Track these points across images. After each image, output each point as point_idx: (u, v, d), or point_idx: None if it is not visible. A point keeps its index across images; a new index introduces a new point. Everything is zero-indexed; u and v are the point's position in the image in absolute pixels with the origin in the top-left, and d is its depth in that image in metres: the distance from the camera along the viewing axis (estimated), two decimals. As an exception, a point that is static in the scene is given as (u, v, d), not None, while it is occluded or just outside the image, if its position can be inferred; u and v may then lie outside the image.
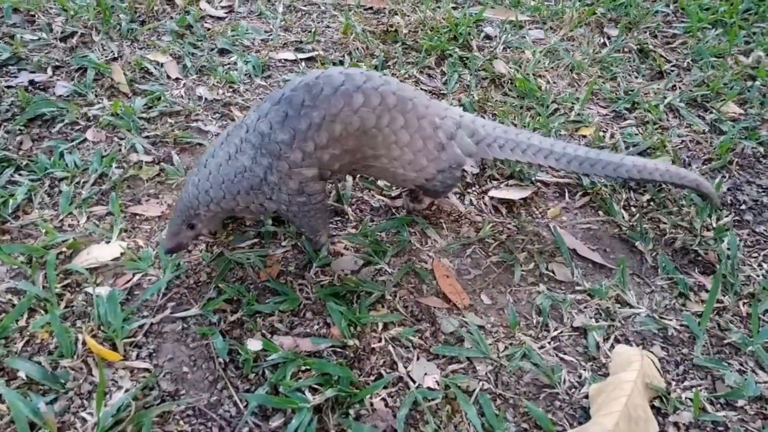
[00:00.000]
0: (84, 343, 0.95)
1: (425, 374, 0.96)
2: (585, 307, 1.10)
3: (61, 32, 1.75)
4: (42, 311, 1.00)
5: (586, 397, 0.95)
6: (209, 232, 1.10)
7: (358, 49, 1.77)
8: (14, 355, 0.93)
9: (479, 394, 0.94)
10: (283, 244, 1.16)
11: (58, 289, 1.04)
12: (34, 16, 1.83)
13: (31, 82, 1.55)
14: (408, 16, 1.97)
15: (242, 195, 0.97)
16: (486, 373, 0.98)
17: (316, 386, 0.92)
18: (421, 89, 1.60)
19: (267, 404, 0.89)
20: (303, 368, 0.94)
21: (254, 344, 0.97)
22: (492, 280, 1.14)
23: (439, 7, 2.02)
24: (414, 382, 0.95)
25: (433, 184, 1.09)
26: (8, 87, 1.51)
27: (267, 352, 0.96)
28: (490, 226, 1.22)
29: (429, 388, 0.94)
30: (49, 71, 1.59)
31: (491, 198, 1.31)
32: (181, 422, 0.88)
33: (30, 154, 1.32)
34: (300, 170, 0.95)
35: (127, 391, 0.90)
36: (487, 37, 1.90)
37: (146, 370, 0.94)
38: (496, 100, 1.59)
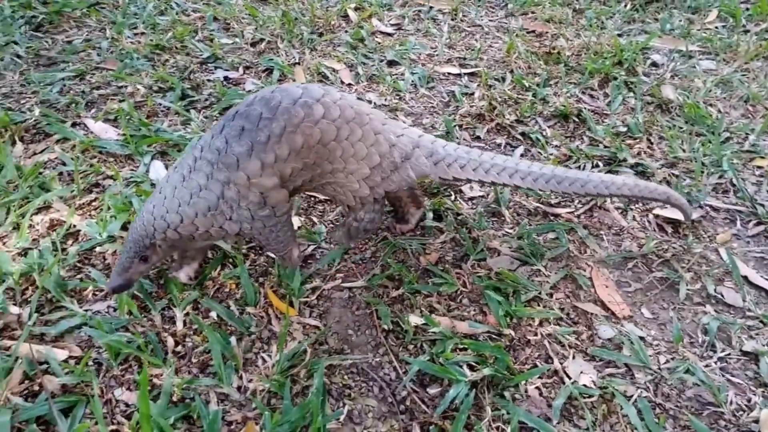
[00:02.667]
0: (265, 296, 1.06)
1: (581, 372, 0.96)
2: (757, 334, 1.04)
3: (251, 38, 1.97)
4: (231, 266, 1.12)
5: (756, 421, 0.90)
6: (161, 263, 1.02)
7: (520, 67, 1.81)
8: (208, 298, 1.05)
9: (638, 399, 0.92)
10: (443, 235, 1.21)
11: (244, 249, 1.16)
12: (229, 24, 2.07)
13: (226, 78, 1.75)
14: (571, 40, 1.99)
15: (200, 217, 0.90)
16: (645, 382, 0.96)
17: (472, 364, 0.95)
18: (583, 108, 1.60)
19: (428, 371, 0.93)
20: (460, 347, 0.98)
21: (415, 319, 1.02)
22: (654, 295, 1.11)
23: (603, 33, 2.02)
24: (569, 377, 0.95)
25: (369, 213, 1.06)
26: (208, 80, 1.72)
27: (427, 327, 1.01)
28: (655, 243, 1.20)
29: (585, 386, 0.94)
30: (240, 70, 1.80)
31: (656, 216, 1.28)
32: (346, 377, 0.95)
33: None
34: (259, 180, 0.89)
35: (299, 342, 0.98)
36: (654, 64, 1.87)
37: (316, 327, 1.02)
38: (662, 125, 1.56)
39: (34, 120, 1.51)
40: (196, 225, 0.91)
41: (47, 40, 1.94)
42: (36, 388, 0.91)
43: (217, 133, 0.90)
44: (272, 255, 1.02)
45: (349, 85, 1.75)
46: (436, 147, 1.04)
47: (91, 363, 0.94)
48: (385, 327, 1.01)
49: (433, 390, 0.93)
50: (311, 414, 0.85)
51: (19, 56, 1.83)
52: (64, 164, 1.37)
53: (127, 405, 0.89)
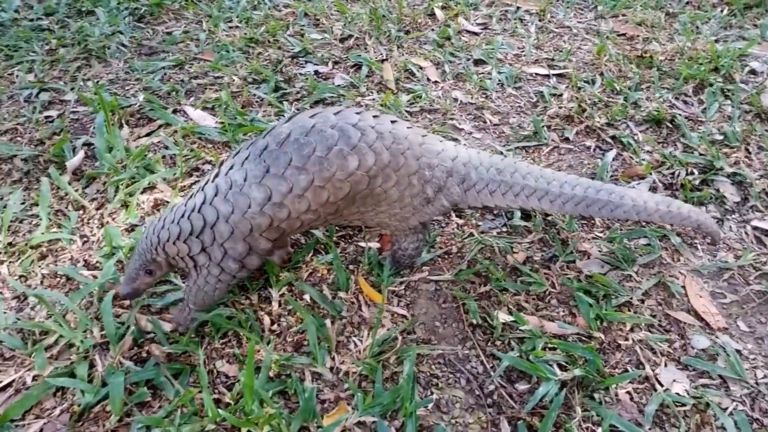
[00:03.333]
0: (356, 283, 1.09)
1: (674, 380, 0.94)
2: None
3: (340, 34, 2.01)
4: (323, 252, 1.16)
5: None
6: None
7: (610, 70, 1.78)
8: (302, 282, 1.09)
9: (734, 412, 0.90)
10: (530, 235, 1.21)
11: (335, 239, 1.20)
12: (319, 20, 2.13)
13: (316, 72, 1.80)
14: (664, 44, 1.93)
15: (180, 242, 0.88)
16: (741, 395, 0.93)
17: (562, 363, 0.95)
18: (677, 114, 1.56)
19: (517, 367, 0.94)
20: (549, 346, 0.98)
21: (503, 315, 1.03)
22: (751, 308, 1.07)
23: (698, 38, 1.95)
24: (661, 385, 0.94)
25: (412, 242, 1.04)
26: (299, 74, 1.78)
27: (514, 324, 1.01)
28: (752, 255, 1.16)
29: (677, 394, 0.92)
30: (330, 65, 1.84)
31: (754, 228, 1.23)
32: (433, 366, 0.97)
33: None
34: (258, 239, 0.87)
35: (388, 329, 1.01)
36: (753, 72, 1.79)
37: (404, 316, 1.05)
38: (761, 134, 1.49)
39: (139, 105, 1.61)
40: (177, 247, 0.88)
41: (149, 30, 2.05)
42: (144, 354, 0.97)
43: (239, 164, 0.85)
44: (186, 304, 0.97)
45: (436, 82, 1.76)
46: (469, 171, 0.97)
47: (194, 335, 1.00)
48: (474, 321, 1.03)
49: (521, 386, 0.93)
50: (401, 399, 0.88)
51: (123, 45, 1.95)
52: (167, 148, 1.45)
53: (227, 376, 0.94)
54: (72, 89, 1.69)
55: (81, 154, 1.42)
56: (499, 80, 1.75)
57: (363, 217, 0.96)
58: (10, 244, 1.18)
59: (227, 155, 0.93)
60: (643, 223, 1.21)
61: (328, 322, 1.00)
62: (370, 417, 0.86)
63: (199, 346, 0.97)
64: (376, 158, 0.87)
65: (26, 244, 1.17)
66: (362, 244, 1.18)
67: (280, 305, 1.05)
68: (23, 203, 1.28)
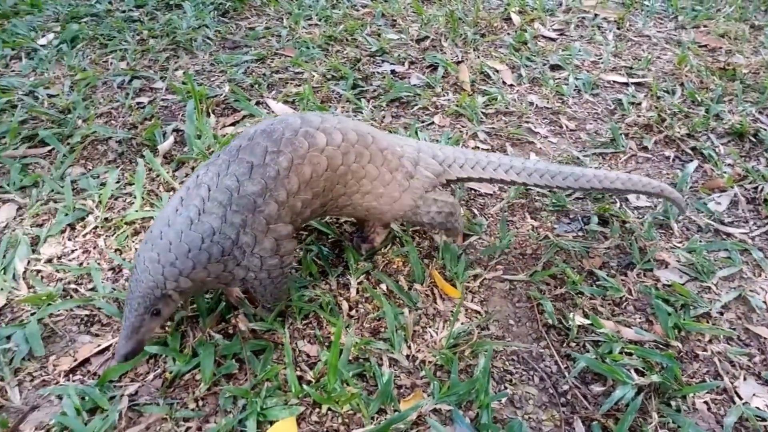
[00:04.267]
0: (431, 277, 1.12)
1: (754, 395, 0.93)
2: None
3: (416, 35, 2.05)
4: (399, 244, 1.19)
5: None
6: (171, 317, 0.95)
7: (691, 81, 1.75)
8: (378, 271, 1.13)
9: (820, 432, 0.88)
10: (607, 241, 1.21)
11: (410, 232, 1.22)
12: (395, 20, 2.17)
13: (393, 71, 1.84)
14: (749, 57, 1.88)
15: (213, 263, 0.86)
16: (825, 416, 0.91)
17: (639, 369, 0.95)
18: (761, 128, 1.52)
19: (594, 368, 0.94)
20: (626, 351, 0.98)
21: (579, 318, 1.03)
22: (837, 329, 1.04)
23: (786, 52, 1.89)
24: (740, 398, 0.92)
25: (426, 217, 1.05)
26: (376, 72, 1.82)
27: (590, 327, 1.02)
28: (841, 275, 1.12)
29: (758, 408, 0.90)
30: (406, 65, 1.88)
31: (843, 247, 1.20)
32: (507, 363, 0.98)
33: (390, 128, 1.57)
34: (276, 227, 0.88)
35: (463, 323, 1.03)
36: None
37: (477, 312, 1.07)
38: None
39: (224, 96, 1.68)
40: (208, 270, 0.86)
41: (232, 25, 2.14)
42: (230, 330, 1.02)
43: (223, 170, 0.86)
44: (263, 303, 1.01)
45: (511, 85, 1.77)
46: (435, 150, 1.06)
47: (278, 316, 1.04)
48: (549, 322, 1.04)
49: (596, 388, 0.94)
50: (476, 391, 0.89)
51: (209, 38, 2.03)
52: (250, 137, 1.51)
53: (308, 356, 0.98)
54: (161, 78, 1.78)
55: (171, 139, 1.50)
56: (576, 86, 1.74)
57: (353, 201, 0.99)
58: (106, 219, 1.26)
59: (195, 170, 0.92)
60: (608, 194, 1.27)
61: (406, 311, 1.03)
62: (445, 405, 0.89)
63: (282, 325, 1.01)
64: (343, 136, 0.92)
65: (121, 220, 1.25)
66: (437, 239, 1.20)
67: (357, 292, 1.09)
68: (118, 182, 1.37)
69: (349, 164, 0.93)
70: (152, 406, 0.89)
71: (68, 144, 1.48)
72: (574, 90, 1.73)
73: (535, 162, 1.09)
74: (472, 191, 1.35)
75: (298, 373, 0.94)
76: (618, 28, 2.11)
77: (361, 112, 1.61)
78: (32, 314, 1.04)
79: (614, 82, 1.78)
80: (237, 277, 0.89)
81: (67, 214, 1.25)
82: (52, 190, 1.33)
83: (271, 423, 0.87)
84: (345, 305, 1.06)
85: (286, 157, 0.87)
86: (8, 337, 1.00)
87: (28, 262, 1.15)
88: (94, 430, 0.85)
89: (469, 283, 1.12)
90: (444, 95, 1.71)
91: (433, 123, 1.60)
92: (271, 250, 0.89)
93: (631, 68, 1.84)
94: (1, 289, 1.08)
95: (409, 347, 0.99)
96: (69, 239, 1.21)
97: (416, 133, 1.52)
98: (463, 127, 1.58)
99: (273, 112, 1.61)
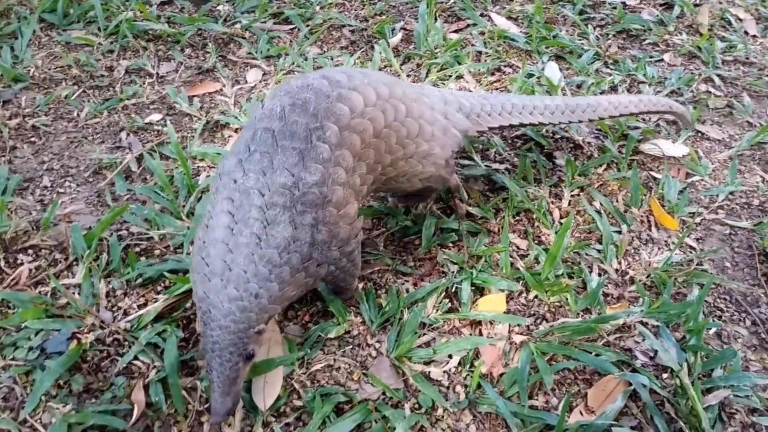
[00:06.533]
0: (649, 205, 1.11)
1: None
2: None
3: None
4: (615, 168, 1.19)
5: None
6: None
7: None
8: (594, 189, 1.13)
9: None
10: None
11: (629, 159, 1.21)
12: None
13: (623, 4, 1.76)
14: None
15: (295, 275, 0.75)
16: None
17: None
18: None
19: (822, 324, 0.90)
20: None
21: (807, 275, 0.98)
22: None
23: None
24: None
25: (439, 177, 0.96)
26: (606, 2, 1.75)
27: (820, 287, 0.97)
28: None
29: None
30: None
31: None
32: (718, 300, 0.97)
33: (617, 57, 1.52)
34: (347, 210, 0.78)
35: (676, 253, 1.02)
36: None
37: (692, 248, 1.05)
38: None
39: (452, 3, 1.72)
40: (292, 284, 0.75)
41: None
42: (448, 212, 1.10)
43: (267, 167, 0.73)
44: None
45: (754, 36, 1.63)
46: (459, 99, 1.00)
47: (491, 208, 1.10)
48: (771, 271, 1.00)
49: (819, 344, 0.90)
50: (687, 315, 0.90)
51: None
52: (473, 45, 1.55)
53: (518, 247, 1.03)
54: (392, -21, 1.86)
55: (399, 35, 1.57)
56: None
57: (405, 168, 0.89)
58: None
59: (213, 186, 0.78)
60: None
61: (624, 228, 1.04)
62: (653, 320, 0.90)
63: (494, 216, 1.07)
64: (375, 92, 0.81)
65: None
66: (655, 174, 1.18)
67: (569, 203, 1.11)
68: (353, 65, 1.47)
69: (390, 124, 0.82)
70: (379, 256, 1.00)
71: (308, 26, 1.61)
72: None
73: (552, 99, 1.10)
74: (699, 134, 1.29)
75: (512, 260, 1.00)
76: None
77: (587, 38, 1.57)
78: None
79: None
80: (318, 277, 0.79)
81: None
82: (294, 63, 1.47)
83: (482, 293, 0.94)
84: (556, 213, 1.09)
85: (332, 130, 0.75)
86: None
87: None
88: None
89: (687, 219, 1.10)
90: (677, 35, 1.62)
91: (662, 60, 1.53)
92: (347, 238, 0.79)
93: None
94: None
95: (620, 263, 1.01)
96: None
97: (644, 66, 1.46)
98: (696, 69, 1.49)
99: (496, 25, 1.63)
